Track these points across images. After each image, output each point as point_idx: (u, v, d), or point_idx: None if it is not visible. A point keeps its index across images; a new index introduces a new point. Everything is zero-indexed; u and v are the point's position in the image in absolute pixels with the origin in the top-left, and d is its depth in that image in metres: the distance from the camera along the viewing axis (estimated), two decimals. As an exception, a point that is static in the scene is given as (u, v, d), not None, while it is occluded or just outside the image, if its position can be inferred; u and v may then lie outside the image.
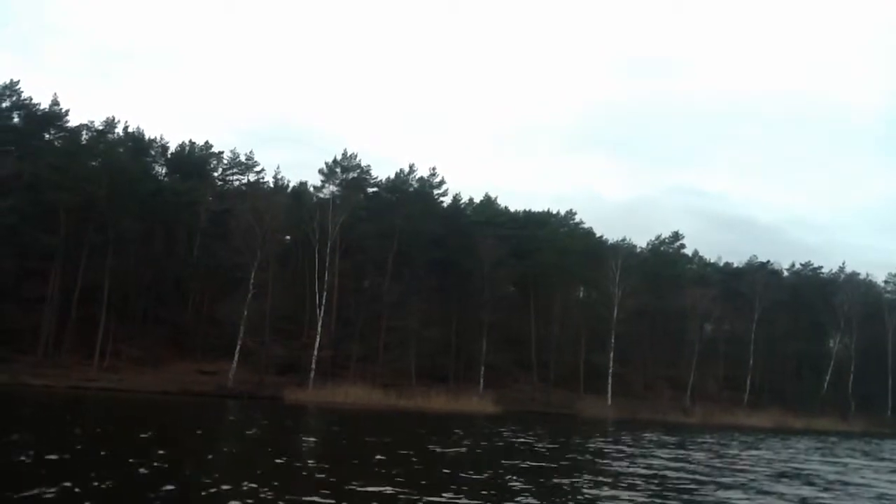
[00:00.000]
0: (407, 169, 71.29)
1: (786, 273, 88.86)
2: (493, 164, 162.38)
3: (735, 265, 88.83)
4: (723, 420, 62.81)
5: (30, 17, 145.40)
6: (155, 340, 59.00)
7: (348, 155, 66.49)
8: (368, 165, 70.70)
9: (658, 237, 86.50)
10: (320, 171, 66.63)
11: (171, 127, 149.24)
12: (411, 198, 69.28)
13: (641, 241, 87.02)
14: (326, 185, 66.68)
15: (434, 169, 73.55)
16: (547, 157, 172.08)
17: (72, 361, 53.19)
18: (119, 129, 67.16)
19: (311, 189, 68.84)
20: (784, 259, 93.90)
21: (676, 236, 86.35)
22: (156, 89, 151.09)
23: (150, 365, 56.32)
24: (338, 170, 66.16)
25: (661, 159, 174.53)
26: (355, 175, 67.58)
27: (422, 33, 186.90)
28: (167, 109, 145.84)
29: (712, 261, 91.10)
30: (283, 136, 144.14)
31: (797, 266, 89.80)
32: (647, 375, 73.37)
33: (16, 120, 55.92)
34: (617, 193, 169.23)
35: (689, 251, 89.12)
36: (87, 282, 55.47)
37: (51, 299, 53.54)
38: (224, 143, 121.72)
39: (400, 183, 71.78)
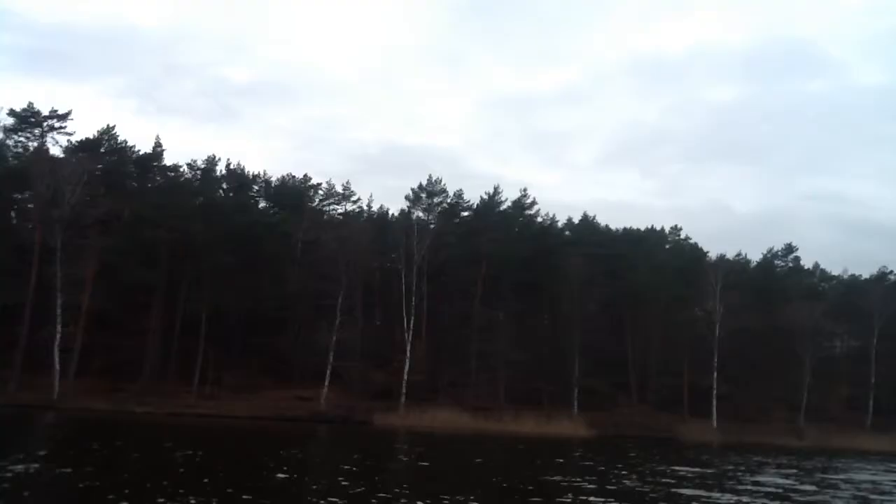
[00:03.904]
0: (493, 191, 71.23)
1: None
2: (605, 179, 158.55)
3: (863, 277, 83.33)
4: (840, 444, 58.50)
5: (150, 61, 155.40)
6: (254, 368, 60.93)
7: (433, 180, 67.33)
8: (460, 189, 71.46)
9: (770, 250, 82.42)
10: (406, 198, 67.83)
11: (282, 158, 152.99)
12: (500, 220, 68.97)
13: (757, 254, 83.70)
14: (413, 210, 67.53)
15: (525, 190, 73.62)
16: (668, 169, 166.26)
17: (173, 390, 55.62)
18: (221, 167, 70.43)
19: (399, 215, 69.80)
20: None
21: (790, 248, 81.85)
22: (268, 122, 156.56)
23: (249, 391, 58.09)
24: (423, 195, 66.88)
25: (796, 166, 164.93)
26: (440, 199, 68.08)
27: (529, 45, 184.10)
28: (279, 142, 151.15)
29: (835, 273, 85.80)
30: (392, 162, 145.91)
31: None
32: (758, 397, 69.21)
33: (114, 161, 59.70)
34: (747, 205, 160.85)
35: (809, 263, 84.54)
36: (188, 313, 58.29)
37: (153, 331, 56.44)
38: (334, 171, 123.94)
39: (492, 205, 71.62)
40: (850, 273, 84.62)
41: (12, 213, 61.80)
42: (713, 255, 76.60)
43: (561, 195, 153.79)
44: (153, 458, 22.09)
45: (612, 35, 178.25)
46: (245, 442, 33.96)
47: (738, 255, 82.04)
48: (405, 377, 57.88)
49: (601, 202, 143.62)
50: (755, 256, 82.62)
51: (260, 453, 27.15)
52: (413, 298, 60.31)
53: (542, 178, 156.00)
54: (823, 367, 68.18)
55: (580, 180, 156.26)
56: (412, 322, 60.12)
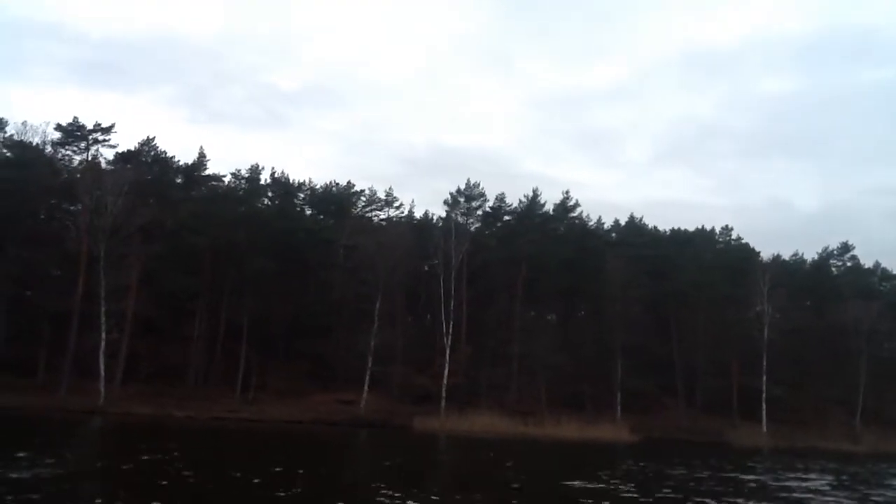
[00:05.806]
0: (532, 194, 70.72)
1: None
2: (659, 177, 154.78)
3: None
4: (900, 448, 56.16)
5: (200, 69, 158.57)
6: (298, 373, 61.54)
7: (471, 184, 67.38)
8: (502, 193, 71.23)
9: (825, 249, 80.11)
10: (445, 202, 67.85)
11: (329, 163, 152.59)
12: (541, 222, 68.45)
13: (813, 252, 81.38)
14: (452, 214, 67.44)
15: (567, 192, 73.08)
16: (724, 165, 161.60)
17: (217, 394, 56.50)
18: (266, 175, 71.52)
19: (440, 219, 69.86)
20: None
21: (846, 247, 79.51)
22: (315, 127, 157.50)
23: (292, 396, 58.64)
24: (461, 199, 66.85)
25: (858, 159, 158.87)
26: (478, 203, 68.00)
27: (576, 40, 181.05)
28: (326, 146, 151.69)
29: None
30: (439, 164, 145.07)
31: None
32: (813, 399, 66.97)
33: (156, 171, 61.20)
34: (809, 201, 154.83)
35: (870, 261, 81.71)
36: (231, 319, 59.22)
37: (197, 338, 57.47)
38: (381, 174, 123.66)
39: (534, 207, 71.13)
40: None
41: (70, 224, 63.76)
42: (772, 254, 75.65)
43: (612, 195, 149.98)
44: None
45: (661, 27, 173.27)
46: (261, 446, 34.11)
47: (795, 254, 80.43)
48: (445, 381, 57.70)
49: (654, 201, 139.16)
50: (814, 256, 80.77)
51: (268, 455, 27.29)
52: (452, 302, 60.11)
53: (593, 178, 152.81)
54: (882, 367, 65.71)
55: (632, 179, 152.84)
56: (451, 326, 59.94)
